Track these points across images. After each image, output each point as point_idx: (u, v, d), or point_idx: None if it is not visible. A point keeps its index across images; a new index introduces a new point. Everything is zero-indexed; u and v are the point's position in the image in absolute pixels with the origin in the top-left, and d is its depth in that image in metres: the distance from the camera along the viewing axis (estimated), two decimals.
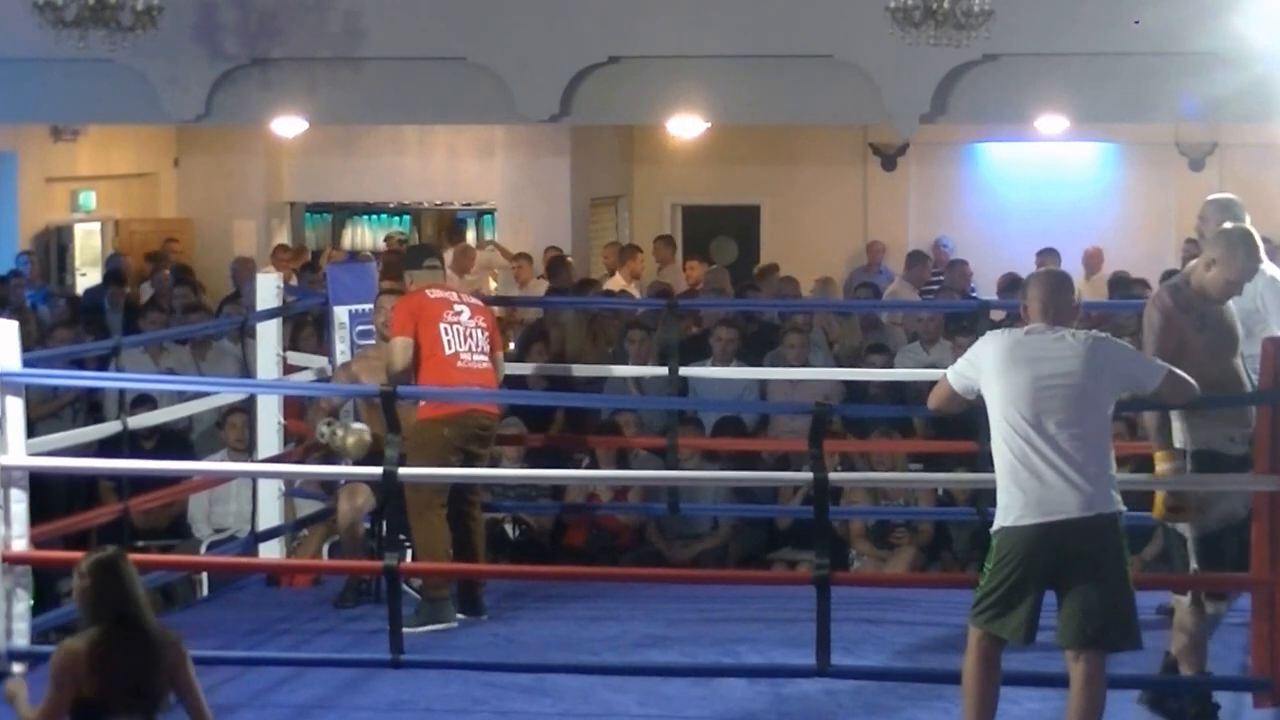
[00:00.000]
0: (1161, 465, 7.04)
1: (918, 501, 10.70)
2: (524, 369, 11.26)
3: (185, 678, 5.64)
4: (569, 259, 16.62)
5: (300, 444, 10.12)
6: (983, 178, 19.21)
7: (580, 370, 11.61)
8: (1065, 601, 6.33)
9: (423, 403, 8.78)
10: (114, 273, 16.75)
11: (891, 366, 11.89)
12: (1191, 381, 6.66)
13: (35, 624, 7.78)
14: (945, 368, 6.96)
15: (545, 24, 14.43)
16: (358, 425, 8.97)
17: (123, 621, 5.55)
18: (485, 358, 8.91)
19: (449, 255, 15.31)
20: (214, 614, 9.40)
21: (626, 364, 11.92)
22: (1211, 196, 8.50)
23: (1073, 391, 6.34)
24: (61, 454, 8.79)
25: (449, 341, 8.81)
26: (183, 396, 10.95)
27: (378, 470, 7.73)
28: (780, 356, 12.22)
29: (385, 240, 19.25)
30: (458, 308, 8.95)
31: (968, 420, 7.70)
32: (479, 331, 8.92)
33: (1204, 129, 17.67)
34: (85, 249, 18.74)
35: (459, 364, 8.80)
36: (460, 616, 8.80)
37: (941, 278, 16.56)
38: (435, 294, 8.98)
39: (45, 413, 11.96)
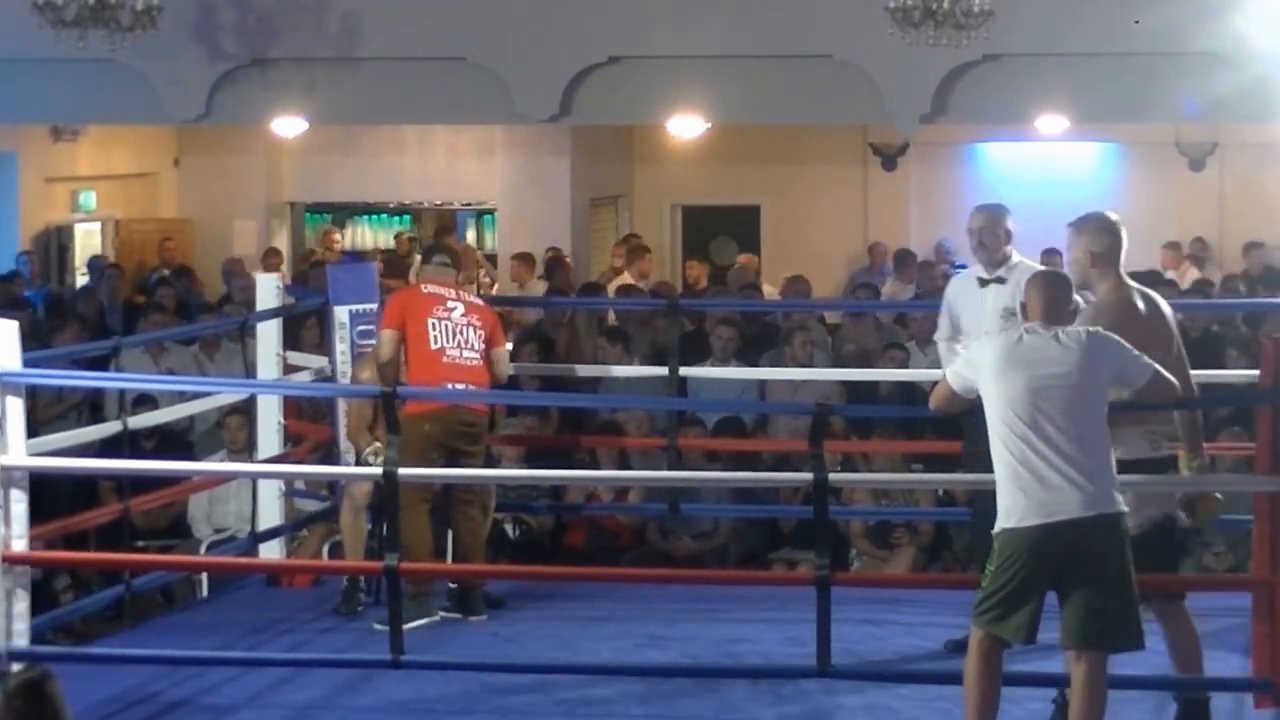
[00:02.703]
0: (1186, 469, 6.96)
1: (918, 502, 10.70)
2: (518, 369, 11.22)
3: None
4: (568, 259, 16.61)
5: (300, 444, 10.12)
6: (983, 178, 19.17)
7: (579, 370, 11.61)
8: (1067, 602, 6.33)
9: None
10: (110, 266, 16.75)
11: (907, 365, 11.90)
12: (1175, 382, 6.67)
13: (34, 624, 7.77)
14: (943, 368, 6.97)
15: (545, 24, 14.42)
16: None
17: None
18: (476, 355, 8.91)
19: None
20: (214, 614, 9.40)
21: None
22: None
23: (1070, 392, 6.34)
24: (62, 454, 8.78)
25: (435, 337, 8.84)
26: (183, 396, 10.95)
27: (378, 470, 7.73)
28: (780, 356, 12.22)
29: (395, 238, 19.30)
30: (450, 304, 8.96)
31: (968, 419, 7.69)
32: (470, 329, 8.93)
33: (1204, 129, 17.66)
34: (85, 249, 18.72)
35: (444, 359, 8.82)
36: (455, 616, 8.83)
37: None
38: (429, 289, 9.02)
39: (53, 414, 11.96)
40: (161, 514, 11.28)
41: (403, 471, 7.67)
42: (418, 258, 17.27)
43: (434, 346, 8.83)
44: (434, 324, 8.86)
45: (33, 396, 11.83)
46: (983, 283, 8.19)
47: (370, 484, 8.91)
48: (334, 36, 14.45)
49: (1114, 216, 7.20)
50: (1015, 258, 8.20)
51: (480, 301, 9.30)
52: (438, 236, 17.68)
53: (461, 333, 8.91)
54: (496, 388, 9.19)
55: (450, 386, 8.81)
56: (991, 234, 8.22)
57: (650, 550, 10.90)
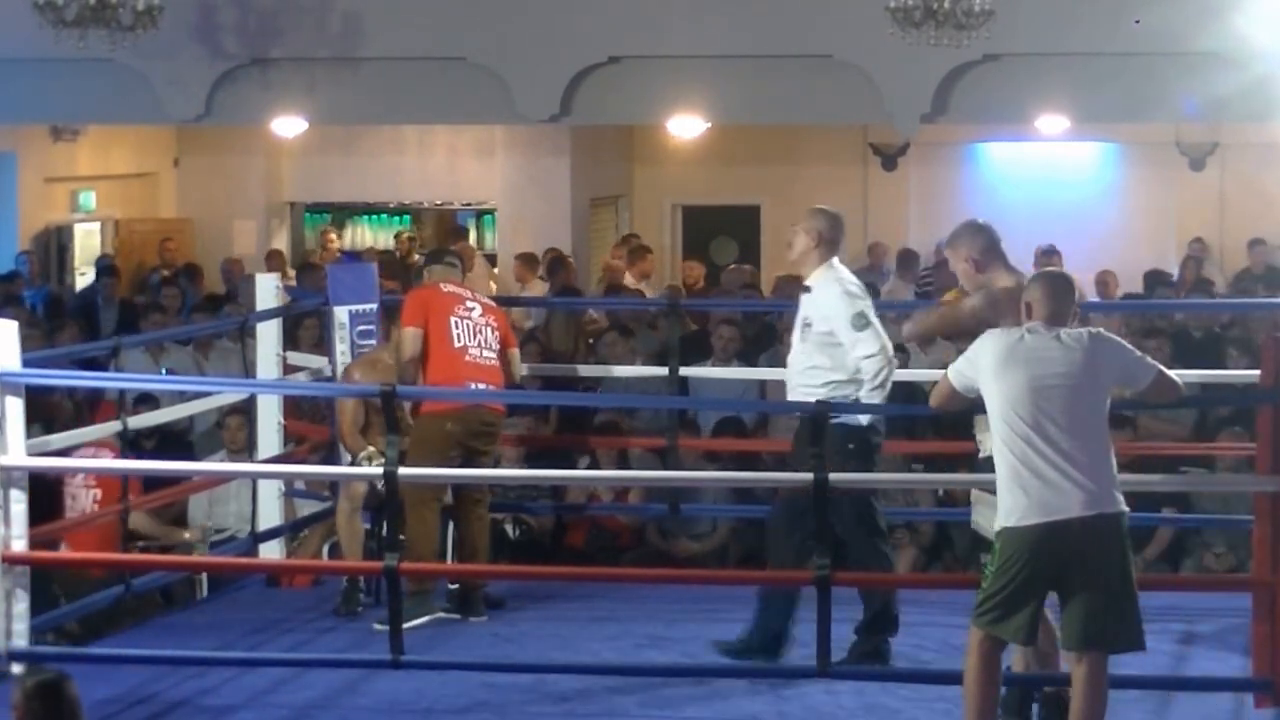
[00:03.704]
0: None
1: (918, 502, 10.70)
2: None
3: None
4: (569, 259, 16.62)
5: (300, 444, 10.11)
6: (983, 178, 19.19)
7: (580, 370, 11.61)
8: (1068, 602, 6.33)
9: None
10: (107, 268, 16.74)
11: (907, 365, 11.86)
12: (1178, 382, 6.68)
13: (34, 624, 7.77)
14: (943, 367, 6.96)
15: (545, 24, 14.43)
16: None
17: None
18: (494, 355, 8.99)
19: None
20: (214, 614, 9.40)
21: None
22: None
23: (1072, 392, 6.34)
24: (62, 454, 8.78)
25: (458, 335, 8.89)
26: (183, 396, 10.94)
27: (378, 470, 7.73)
28: (779, 356, 12.20)
29: (395, 238, 19.31)
30: (469, 304, 9.04)
31: (968, 419, 7.69)
32: (489, 329, 9.00)
33: (1205, 129, 17.67)
34: (85, 249, 18.72)
35: (467, 358, 8.88)
36: (455, 616, 8.82)
37: (932, 277, 16.55)
38: (448, 289, 9.08)
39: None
40: (162, 514, 11.26)
41: (403, 472, 7.67)
42: (417, 258, 17.29)
43: (457, 345, 8.89)
44: (456, 322, 8.92)
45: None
46: (805, 288, 7.94)
47: (366, 484, 8.92)
48: (334, 36, 14.46)
49: (981, 221, 7.25)
50: (831, 270, 7.80)
51: (493, 303, 9.34)
52: (450, 239, 17.70)
53: (481, 332, 8.97)
54: (510, 388, 9.22)
55: (472, 385, 8.87)
56: (796, 230, 7.86)
57: (650, 550, 10.90)
